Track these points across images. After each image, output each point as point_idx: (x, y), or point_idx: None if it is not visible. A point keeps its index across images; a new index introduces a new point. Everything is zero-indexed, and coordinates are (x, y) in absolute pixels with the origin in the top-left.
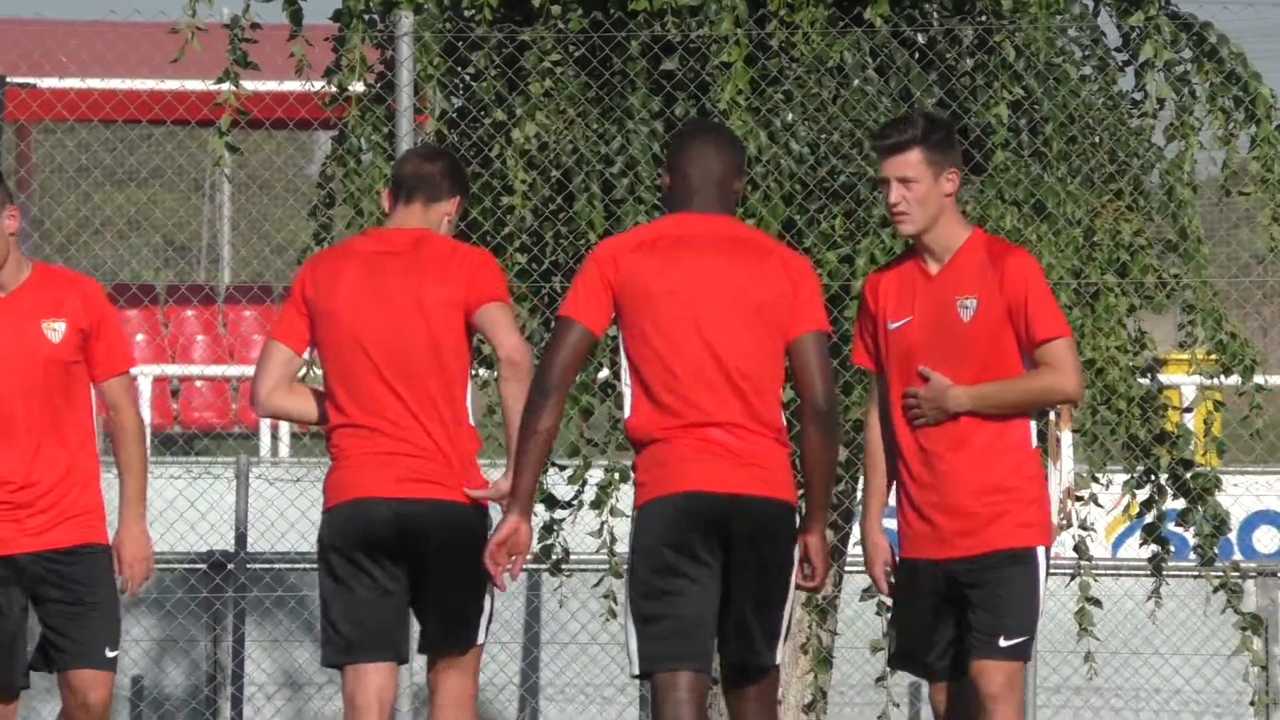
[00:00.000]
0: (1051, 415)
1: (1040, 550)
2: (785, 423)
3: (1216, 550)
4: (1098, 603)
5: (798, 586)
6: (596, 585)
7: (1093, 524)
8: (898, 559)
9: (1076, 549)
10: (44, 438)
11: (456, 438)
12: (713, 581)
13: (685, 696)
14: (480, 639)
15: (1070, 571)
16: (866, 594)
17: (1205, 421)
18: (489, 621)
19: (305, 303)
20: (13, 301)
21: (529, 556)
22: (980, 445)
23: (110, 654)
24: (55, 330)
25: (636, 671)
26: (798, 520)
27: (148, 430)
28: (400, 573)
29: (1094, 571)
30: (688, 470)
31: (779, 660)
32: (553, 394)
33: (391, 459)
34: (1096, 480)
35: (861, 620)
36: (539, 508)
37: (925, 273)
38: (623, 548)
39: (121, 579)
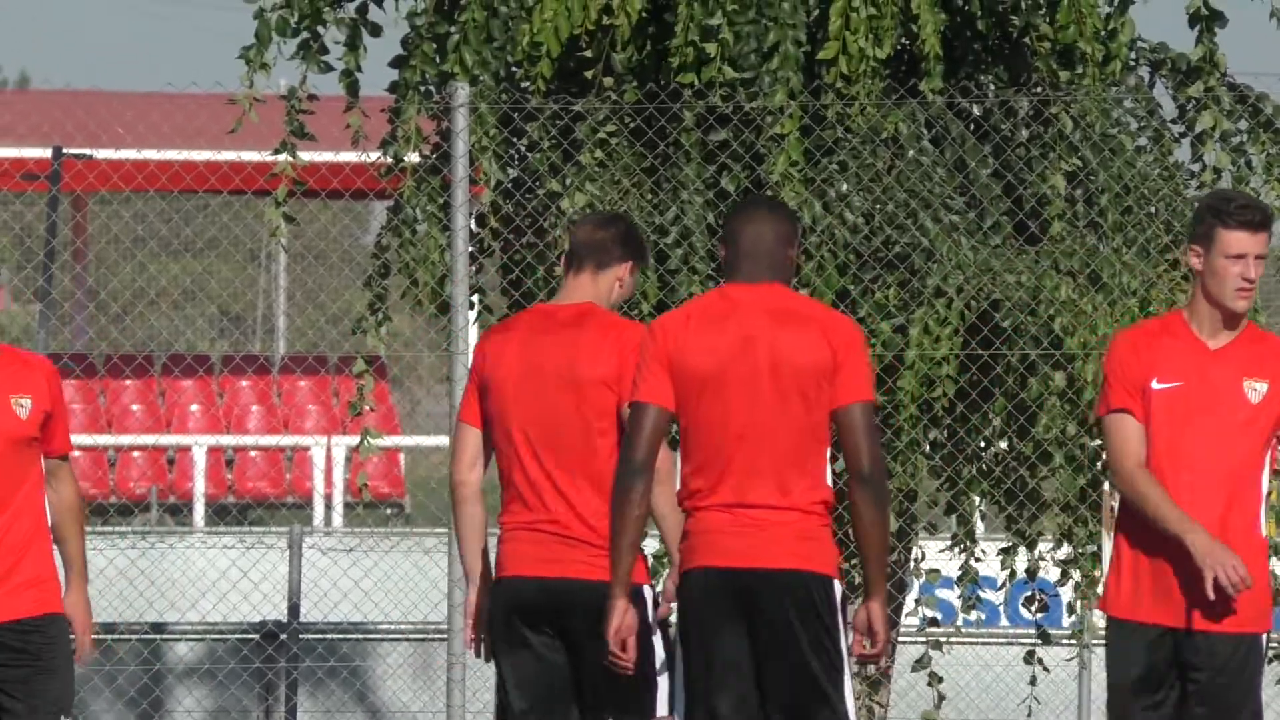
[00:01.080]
0: (1105, 485)
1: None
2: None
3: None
4: None
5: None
6: None
7: None
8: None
9: None
10: (4, 511)
11: (604, 514)
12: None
13: None
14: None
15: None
16: (918, 664)
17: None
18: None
19: (479, 379)
20: None
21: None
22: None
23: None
24: (22, 407)
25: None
26: (836, 591)
27: (202, 500)
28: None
29: None
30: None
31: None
32: (640, 479)
33: (539, 536)
34: None
35: (915, 691)
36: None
37: (1201, 344)
38: None
39: (75, 645)
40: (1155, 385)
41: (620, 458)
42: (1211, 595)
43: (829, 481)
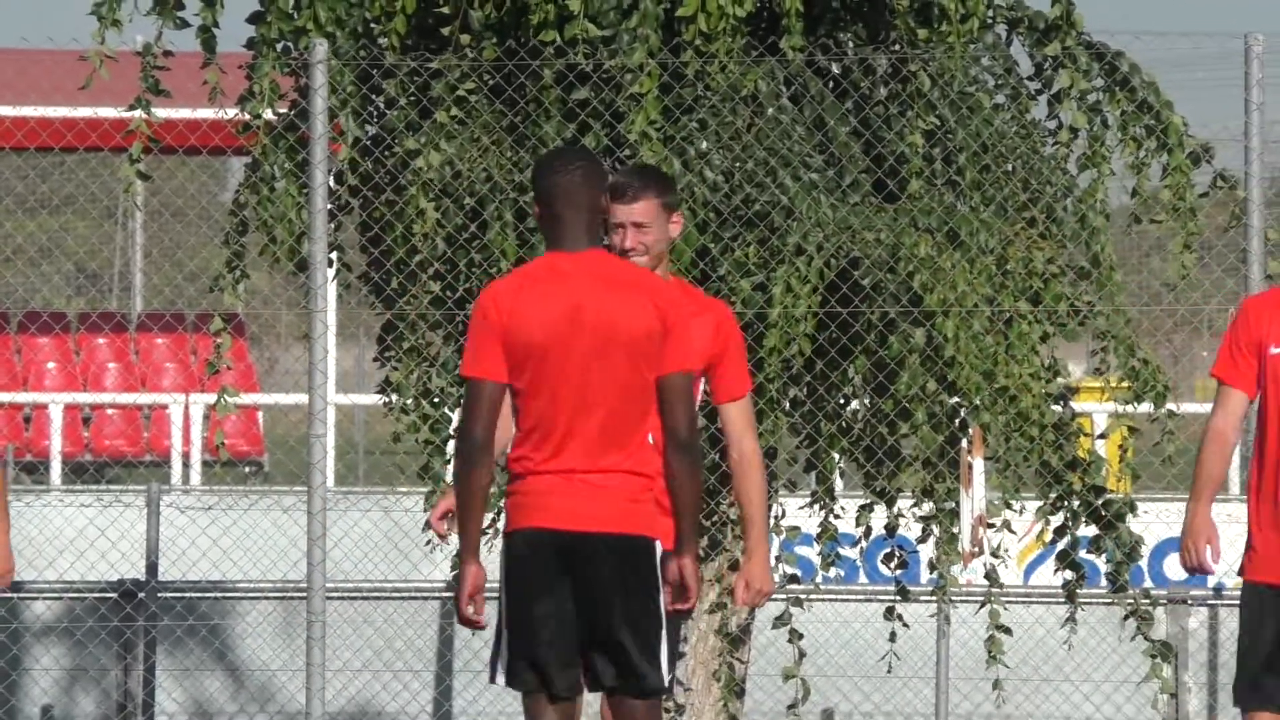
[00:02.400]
0: (964, 443)
1: None
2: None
3: (1128, 577)
4: (1008, 630)
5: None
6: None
7: (1006, 550)
8: (1243, 582)
9: (987, 576)
10: None
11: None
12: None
13: None
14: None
15: (980, 599)
16: (779, 621)
17: (1120, 448)
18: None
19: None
20: None
21: (444, 583)
22: None
23: None
24: None
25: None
26: (658, 552)
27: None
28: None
29: (1006, 599)
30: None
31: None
32: (482, 453)
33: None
34: (1010, 507)
35: (774, 648)
36: (452, 535)
37: None
38: None
39: None
40: (1273, 350)
41: (461, 433)
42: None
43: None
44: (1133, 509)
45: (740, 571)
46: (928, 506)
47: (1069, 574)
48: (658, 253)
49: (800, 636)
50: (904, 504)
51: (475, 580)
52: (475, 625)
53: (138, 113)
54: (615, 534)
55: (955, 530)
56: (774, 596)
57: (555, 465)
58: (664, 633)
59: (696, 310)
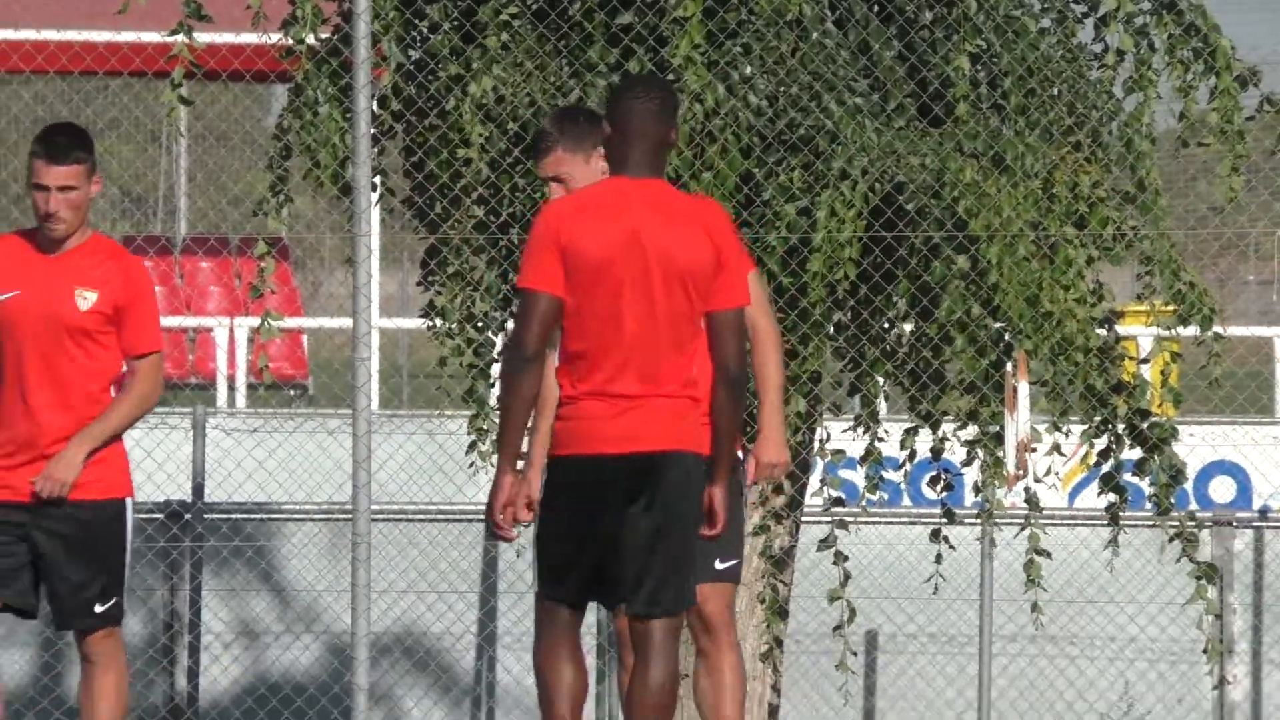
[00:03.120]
0: (1009, 366)
1: None
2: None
3: (1173, 500)
4: (1047, 554)
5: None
6: None
7: (1055, 472)
8: None
9: (1027, 501)
10: (53, 399)
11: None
12: None
13: None
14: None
15: (1021, 522)
16: (823, 544)
17: (1163, 373)
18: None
19: None
20: (60, 263)
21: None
22: None
23: (100, 609)
24: (85, 299)
25: None
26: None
27: None
28: None
29: (1051, 522)
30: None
31: None
32: (531, 364)
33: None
34: (1057, 429)
35: (819, 570)
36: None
37: None
38: None
39: (37, 482)
40: None
41: (512, 343)
42: None
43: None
44: (1175, 434)
45: (753, 448)
46: (972, 430)
47: (1112, 497)
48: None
49: (845, 559)
50: (948, 428)
51: (511, 491)
52: (504, 537)
53: (180, 37)
54: (661, 451)
55: (1000, 454)
56: (818, 519)
57: (601, 389)
58: (693, 555)
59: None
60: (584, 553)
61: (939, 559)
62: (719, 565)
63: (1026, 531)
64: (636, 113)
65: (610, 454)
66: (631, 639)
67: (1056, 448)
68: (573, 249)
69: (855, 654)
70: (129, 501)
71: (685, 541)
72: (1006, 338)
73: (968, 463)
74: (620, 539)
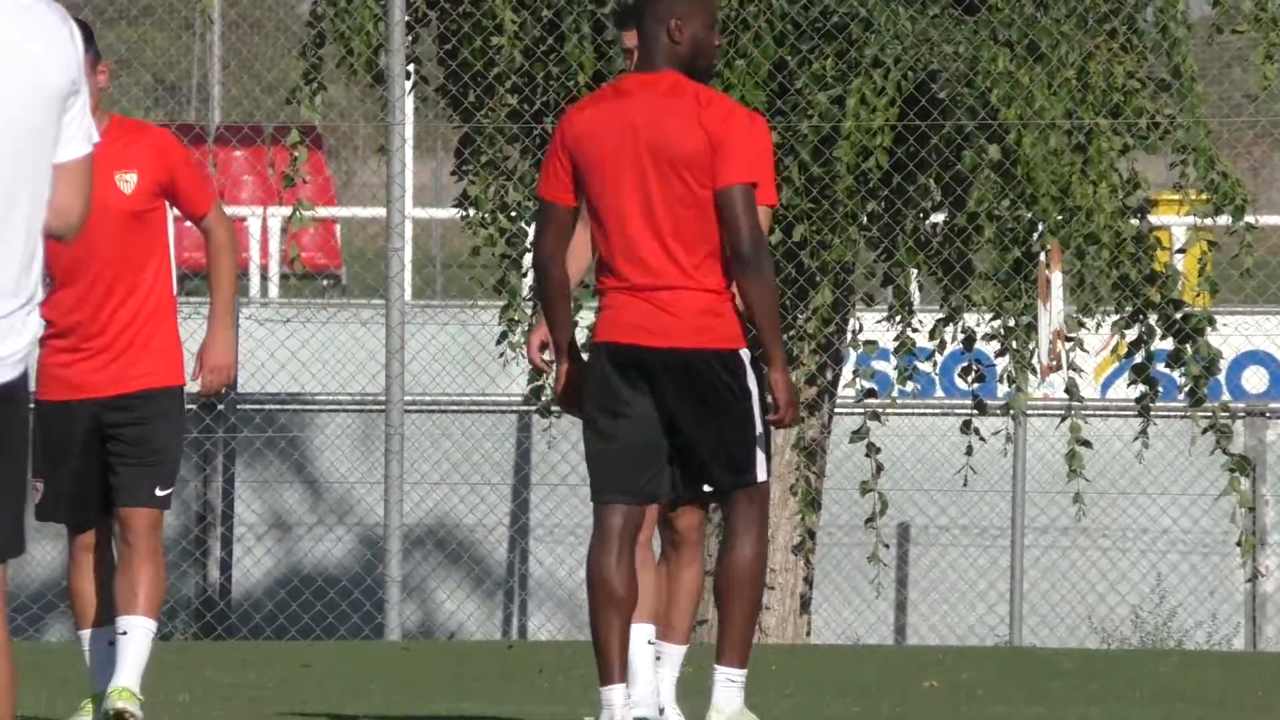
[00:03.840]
0: (1042, 256)
1: None
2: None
3: (1206, 391)
4: (1088, 444)
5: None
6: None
7: (1077, 368)
8: None
9: (1067, 390)
10: (117, 285)
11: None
12: None
13: None
14: None
15: (1060, 413)
16: (856, 435)
17: (1199, 262)
18: None
19: None
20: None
21: (520, 397)
22: None
23: (160, 493)
24: (127, 182)
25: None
26: (743, 359)
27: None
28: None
29: (1083, 412)
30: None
31: None
32: (551, 264)
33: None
34: (1083, 325)
35: (851, 462)
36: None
37: None
38: None
39: (200, 383)
40: None
41: (533, 248)
42: None
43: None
44: (1211, 323)
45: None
46: (998, 322)
47: (1143, 388)
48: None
49: (878, 450)
50: (979, 319)
51: (569, 378)
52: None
53: None
54: (687, 349)
55: (1031, 346)
56: (851, 410)
57: (625, 282)
58: (757, 434)
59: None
60: (621, 440)
61: (969, 451)
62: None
63: (1064, 423)
64: (641, 8)
65: (634, 345)
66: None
67: (1079, 343)
68: (578, 151)
69: (888, 546)
70: (183, 389)
71: (730, 428)
72: (1040, 228)
73: (1001, 354)
74: (657, 429)
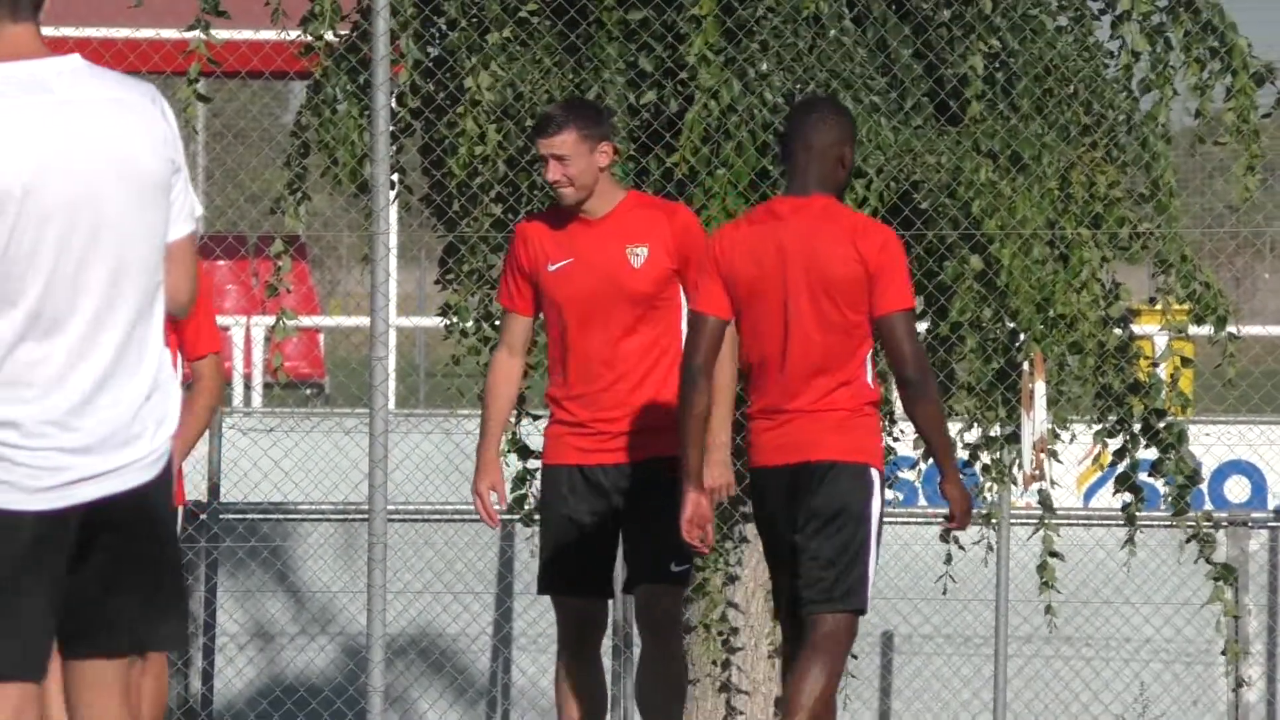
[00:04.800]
0: (1025, 366)
1: None
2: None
3: (1189, 500)
4: (1060, 556)
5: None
6: None
7: (1052, 480)
8: None
9: (1041, 502)
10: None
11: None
12: None
13: None
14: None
15: (1034, 523)
16: None
17: (1172, 376)
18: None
19: None
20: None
21: (503, 507)
22: None
23: None
24: None
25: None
26: (873, 477)
27: None
28: None
29: (1066, 522)
30: None
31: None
32: (700, 378)
33: None
34: (1057, 437)
35: None
36: (511, 457)
37: None
38: None
39: None
40: None
41: (682, 363)
42: None
43: (869, 381)
44: (1182, 436)
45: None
46: (977, 434)
47: (1128, 496)
48: (584, 184)
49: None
50: (960, 428)
51: (698, 509)
52: (699, 552)
53: (197, 33)
54: (815, 461)
55: (1014, 455)
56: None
57: (762, 405)
58: (868, 552)
59: (661, 218)
60: (775, 560)
61: (949, 559)
62: (674, 567)
63: (1039, 534)
64: (802, 128)
65: (772, 466)
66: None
67: (1053, 453)
68: (729, 268)
69: (855, 657)
70: (179, 510)
71: (841, 543)
72: (1022, 338)
73: (968, 464)
74: (795, 544)
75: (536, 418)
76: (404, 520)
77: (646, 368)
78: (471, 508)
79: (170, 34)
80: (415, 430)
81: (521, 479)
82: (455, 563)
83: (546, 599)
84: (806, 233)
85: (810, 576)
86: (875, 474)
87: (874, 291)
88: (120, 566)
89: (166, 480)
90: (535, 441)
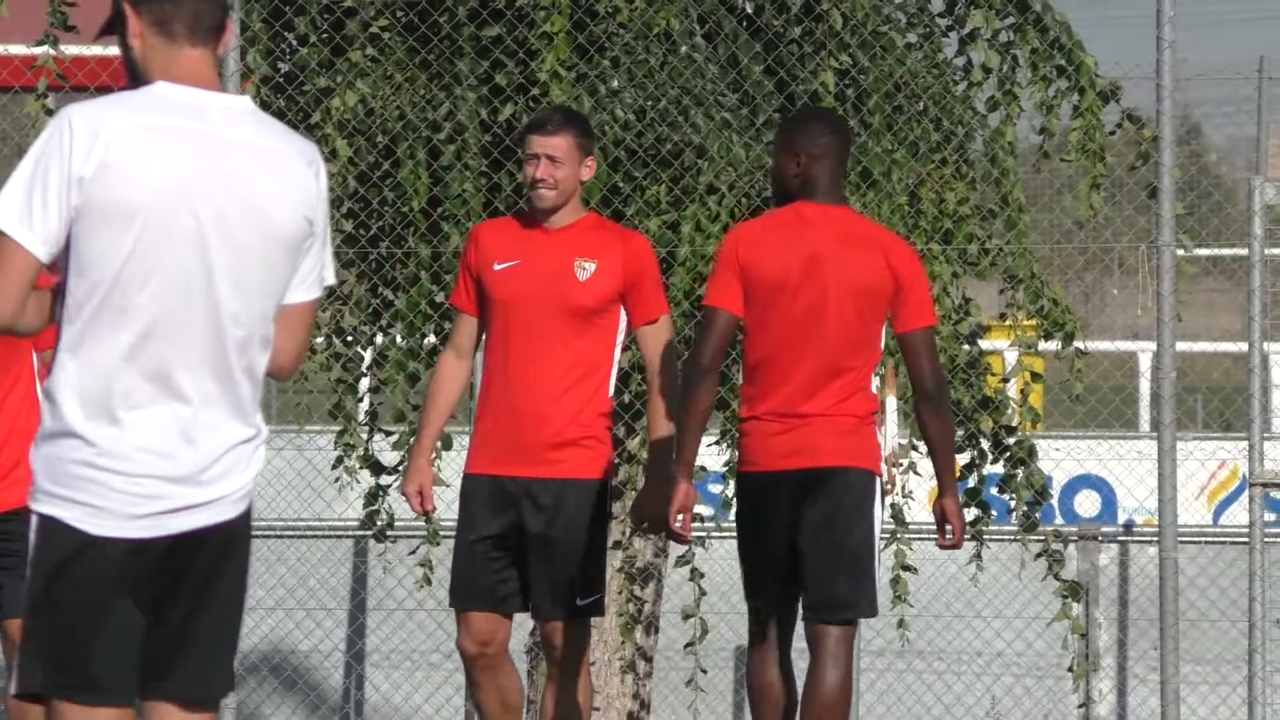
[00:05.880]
0: (876, 381)
1: None
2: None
3: (1038, 516)
4: (913, 569)
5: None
6: (412, 554)
7: (910, 492)
8: None
9: (893, 517)
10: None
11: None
12: None
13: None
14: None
15: (885, 538)
16: (681, 560)
17: (1023, 391)
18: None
19: None
20: None
21: (356, 522)
22: None
23: None
24: None
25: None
26: (876, 484)
27: None
28: None
29: (917, 536)
30: None
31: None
32: (707, 377)
33: None
34: (915, 449)
35: (688, 586)
36: (364, 474)
37: None
38: (449, 515)
39: None
40: None
41: (691, 357)
42: None
43: (873, 390)
44: (1031, 453)
45: (634, 503)
46: None
47: (976, 512)
48: (567, 190)
49: (701, 575)
50: None
51: (686, 499)
52: (683, 540)
53: (45, 49)
54: (828, 467)
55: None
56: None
57: (774, 408)
58: (875, 559)
59: (614, 240)
60: (774, 562)
61: None
62: (580, 601)
63: (893, 547)
64: (830, 143)
65: (780, 470)
66: (808, 643)
67: (913, 465)
68: (752, 269)
69: (704, 671)
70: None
71: (854, 550)
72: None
73: None
74: (798, 548)
75: (389, 434)
76: (257, 536)
77: (572, 381)
78: (324, 523)
79: (19, 49)
80: (267, 446)
81: (374, 495)
82: (308, 579)
83: (400, 614)
84: (839, 240)
85: (821, 586)
86: (878, 481)
87: (903, 306)
88: (200, 604)
89: (249, 520)
90: (387, 458)
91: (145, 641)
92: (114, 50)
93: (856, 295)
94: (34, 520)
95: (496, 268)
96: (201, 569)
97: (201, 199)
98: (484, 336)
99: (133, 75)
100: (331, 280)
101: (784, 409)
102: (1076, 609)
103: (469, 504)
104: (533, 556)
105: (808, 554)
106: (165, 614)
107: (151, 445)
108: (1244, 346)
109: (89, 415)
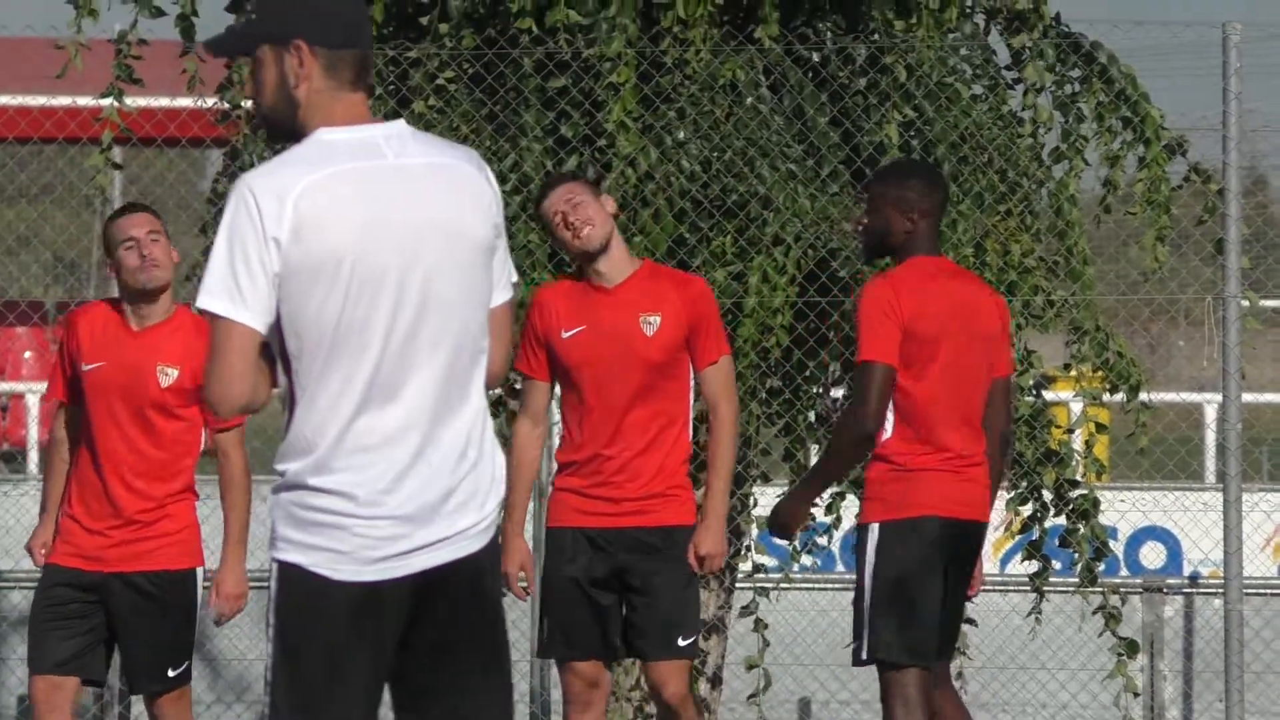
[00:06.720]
0: None
1: None
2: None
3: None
4: (973, 622)
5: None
6: None
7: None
8: None
9: None
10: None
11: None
12: None
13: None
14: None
15: None
16: (745, 611)
17: (1087, 442)
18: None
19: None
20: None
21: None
22: None
23: (173, 673)
24: (167, 375)
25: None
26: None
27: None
28: None
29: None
30: None
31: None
32: (872, 441)
33: None
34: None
35: (752, 637)
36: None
37: None
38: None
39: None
40: None
41: (859, 415)
42: None
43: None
44: (1095, 506)
45: (693, 538)
46: None
47: (1037, 564)
48: (603, 223)
49: (765, 626)
50: None
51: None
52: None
53: (110, 100)
54: (977, 520)
55: None
56: (743, 585)
57: (947, 452)
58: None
59: (672, 288)
60: (923, 611)
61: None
62: (681, 642)
63: None
64: (941, 199)
65: (954, 518)
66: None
67: None
68: (914, 320)
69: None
70: (199, 570)
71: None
72: None
73: None
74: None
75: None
76: None
77: (653, 435)
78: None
79: (87, 101)
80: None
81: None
82: None
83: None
84: (972, 291)
85: (953, 630)
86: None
87: (1003, 351)
88: (451, 640)
89: (496, 550)
90: None
91: (395, 684)
92: (183, 102)
93: (986, 342)
94: (274, 568)
95: (564, 335)
96: (448, 607)
97: (399, 232)
98: (556, 393)
99: (275, 120)
100: (515, 277)
101: (960, 453)
102: (1135, 664)
103: (559, 555)
104: (629, 604)
105: (946, 604)
106: (413, 654)
107: (383, 486)
108: None
109: (322, 463)
